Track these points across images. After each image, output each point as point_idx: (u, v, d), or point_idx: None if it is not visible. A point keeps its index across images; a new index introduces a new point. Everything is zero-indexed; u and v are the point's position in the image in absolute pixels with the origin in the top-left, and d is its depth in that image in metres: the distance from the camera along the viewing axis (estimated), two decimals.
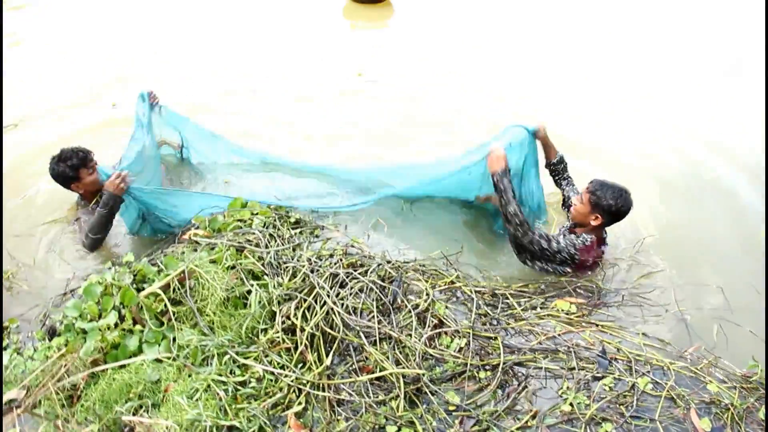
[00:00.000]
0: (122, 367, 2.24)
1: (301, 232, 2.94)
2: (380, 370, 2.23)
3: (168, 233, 3.18)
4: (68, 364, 2.18)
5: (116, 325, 2.31)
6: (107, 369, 2.22)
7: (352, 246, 2.81)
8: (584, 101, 5.18)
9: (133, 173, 2.99)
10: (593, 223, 2.90)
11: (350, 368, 2.30)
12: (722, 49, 6.30)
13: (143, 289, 2.41)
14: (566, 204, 3.26)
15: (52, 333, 2.42)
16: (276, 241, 2.71)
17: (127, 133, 3.42)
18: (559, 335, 2.46)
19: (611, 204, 2.81)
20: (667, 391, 2.26)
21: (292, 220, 3.03)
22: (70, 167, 3.15)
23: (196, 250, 2.60)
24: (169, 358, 2.26)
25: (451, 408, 2.18)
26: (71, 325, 2.31)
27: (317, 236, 2.94)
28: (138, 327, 2.33)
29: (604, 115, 4.94)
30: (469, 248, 3.15)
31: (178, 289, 2.41)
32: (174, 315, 2.34)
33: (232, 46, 6.26)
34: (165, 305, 2.36)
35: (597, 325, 2.54)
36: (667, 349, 2.54)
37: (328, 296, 2.40)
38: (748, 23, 6.40)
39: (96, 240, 3.10)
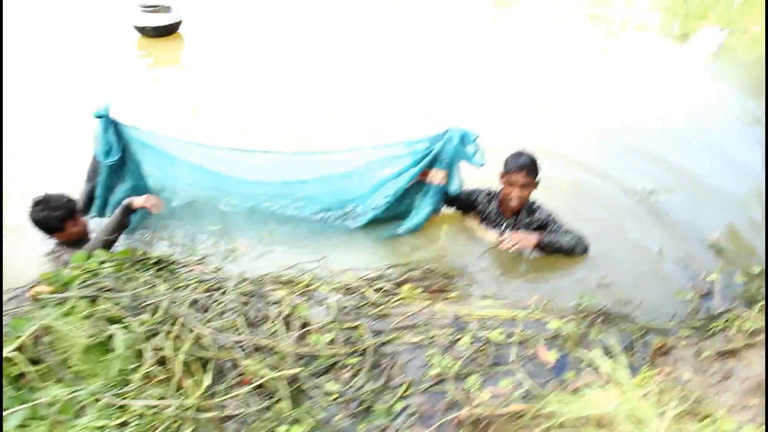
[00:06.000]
0: None
1: (159, 270, 2.94)
2: (259, 379, 2.30)
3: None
4: None
5: None
6: None
7: (205, 273, 2.86)
8: None
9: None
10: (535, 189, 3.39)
11: (230, 384, 2.34)
12: None
13: None
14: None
15: None
16: (132, 283, 2.69)
17: None
18: (414, 313, 2.68)
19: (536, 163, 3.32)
20: (517, 336, 2.55)
21: (153, 260, 3.02)
22: (56, 218, 3.06)
23: (44, 307, 2.51)
24: (36, 419, 2.16)
25: (333, 396, 2.29)
26: None
27: (174, 272, 2.95)
28: None
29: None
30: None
31: (33, 348, 2.31)
32: (35, 374, 2.24)
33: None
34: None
35: (446, 298, 2.81)
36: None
37: (195, 321, 2.43)
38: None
39: (111, 242, 3.21)
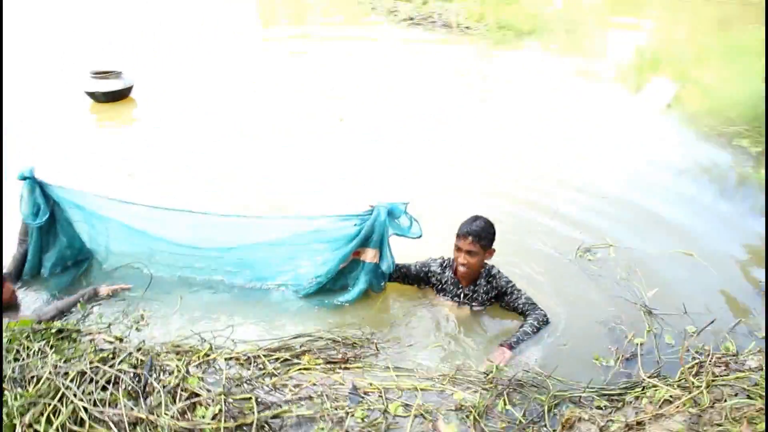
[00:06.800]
0: None
1: (60, 339, 2.86)
2: None
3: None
4: None
5: None
6: None
7: (106, 342, 2.77)
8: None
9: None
10: (489, 258, 3.32)
11: None
12: None
13: None
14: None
15: None
16: (21, 355, 2.61)
17: None
18: (310, 384, 2.57)
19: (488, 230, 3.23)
20: (416, 409, 2.44)
21: (54, 330, 2.94)
22: None
23: None
24: None
25: None
26: None
27: (75, 340, 2.87)
28: None
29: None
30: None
31: None
32: None
33: None
34: None
35: (347, 368, 2.70)
36: (417, 374, 2.76)
37: (75, 395, 2.34)
38: None
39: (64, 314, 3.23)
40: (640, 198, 4.97)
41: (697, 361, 2.75)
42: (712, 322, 3.12)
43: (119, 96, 8.23)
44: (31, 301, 3.57)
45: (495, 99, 8.11)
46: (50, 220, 3.64)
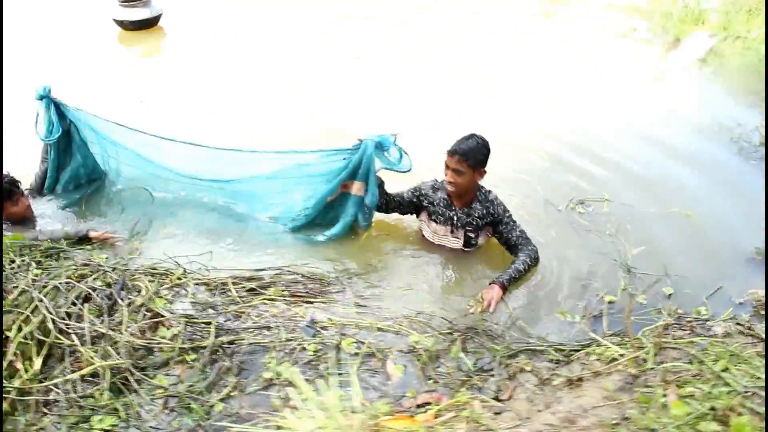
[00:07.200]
0: None
1: (48, 257, 3.01)
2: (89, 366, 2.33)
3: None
4: None
5: None
6: None
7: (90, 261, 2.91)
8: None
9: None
10: (479, 179, 3.21)
11: (66, 371, 2.38)
12: None
13: None
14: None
15: None
16: (6, 268, 2.77)
17: None
18: (271, 315, 2.66)
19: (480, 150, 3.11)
20: (368, 346, 2.51)
21: (44, 246, 3.10)
22: None
23: None
24: None
25: (158, 391, 2.30)
26: None
27: (60, 258, 3.01)
28: None
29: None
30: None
31: None
32: None
33: None
34: None
35: (311, 303, 2.77)
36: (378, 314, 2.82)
37: (45, 307, 2.48)
38: None
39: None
40: (649, 153, 4.80)
41: (662, 322, 2.72)
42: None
43: (147, 24, 8.33)
44: (47, 215, 3.84)
45: (530, 51, 7.81)
46: (67, 139, 3.88)
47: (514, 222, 3.32)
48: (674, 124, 5.34)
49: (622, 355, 2.37)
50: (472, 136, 3.14)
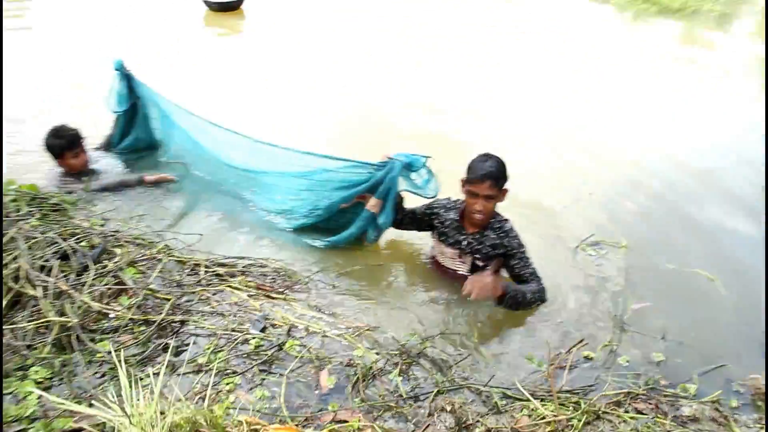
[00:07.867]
0: None
1: (55, 211, 3.24)
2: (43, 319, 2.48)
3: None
4: None
5: None
6: None
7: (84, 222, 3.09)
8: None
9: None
10: (503, 200, 3.09)
11: (25, 319, 2.54)
12: None
13: None
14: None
15: None
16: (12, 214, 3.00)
17: None
18: (234, 303, 2.71)
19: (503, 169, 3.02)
20: (308, 352, 2.51)
21: (52, 201, 3.33)
22: (57, 146, 3.79)
23: None
24: None
25: (98, 356, 2.42)
26: None
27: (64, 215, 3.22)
28: None
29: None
30: None
31: None
32: None
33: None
34: None
35: (272, 298, 2.80)
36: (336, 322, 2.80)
37: (24, 256, 2.66)
38: None
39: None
40: (700, 193, 4.43)
41: (623, 390, 2.53)
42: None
43: (231, 7, 8.85)
44: (108, 170, 4.25)
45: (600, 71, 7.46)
46: (132, 112, 4.36)
47: (528, 258, 3.12)
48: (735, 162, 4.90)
49: (555, 417, 2.23)
50: (489, 155, 2.99)
